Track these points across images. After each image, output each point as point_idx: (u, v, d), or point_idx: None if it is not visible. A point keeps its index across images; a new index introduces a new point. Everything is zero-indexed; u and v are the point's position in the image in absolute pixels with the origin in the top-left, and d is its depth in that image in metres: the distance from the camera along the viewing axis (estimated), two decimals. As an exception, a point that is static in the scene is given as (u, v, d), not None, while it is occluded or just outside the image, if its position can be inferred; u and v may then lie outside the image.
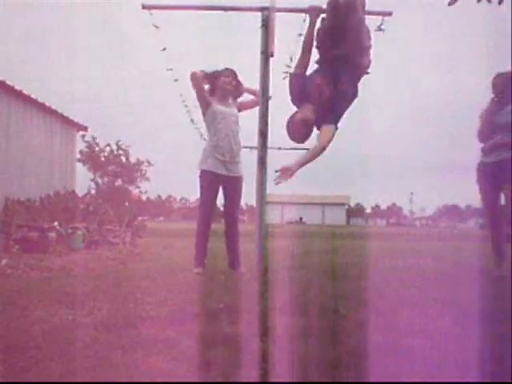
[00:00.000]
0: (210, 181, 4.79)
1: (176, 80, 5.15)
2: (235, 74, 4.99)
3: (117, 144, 13.70)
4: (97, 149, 13.50)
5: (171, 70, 4.99)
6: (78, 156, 12.73)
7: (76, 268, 5.20)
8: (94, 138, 13.39)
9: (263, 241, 4.77)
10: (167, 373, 1.78)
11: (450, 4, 3.52)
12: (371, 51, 4.04)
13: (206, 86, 4.91)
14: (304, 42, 4.15)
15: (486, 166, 4.89)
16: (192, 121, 6.28)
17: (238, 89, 5.02)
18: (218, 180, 4.80)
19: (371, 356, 1.99)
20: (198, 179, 4.84)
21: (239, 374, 1.79)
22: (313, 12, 4.25)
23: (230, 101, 4.99)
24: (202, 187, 4.81)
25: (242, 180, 4.99)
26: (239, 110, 5.04)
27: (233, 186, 4.90)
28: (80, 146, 13.06)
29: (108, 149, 13.61)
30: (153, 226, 15.16)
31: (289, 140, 4.69)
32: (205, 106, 4.88)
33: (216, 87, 4.94)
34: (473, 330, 2.46)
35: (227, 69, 4.98)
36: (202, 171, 4.81)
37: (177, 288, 3.61)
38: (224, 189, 4.89)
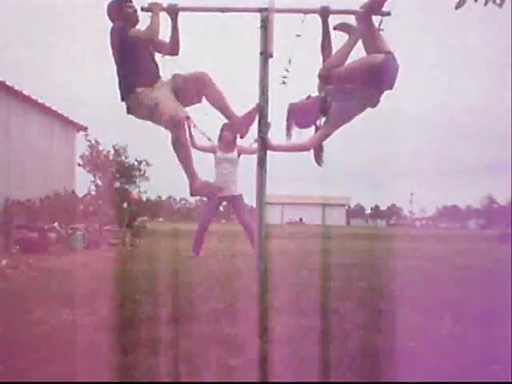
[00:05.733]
0: (208, 201, 6.70)
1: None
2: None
3: (114, 147, 13.59)
4: (96, 150, 13.37)
5: (169, 71, 4.99)
6: (79, 161, 12.62)
7: (76, 268, 5.20)
8: (97, 142, 13.11)
9: (263, 241, 4.77)
10: (167, 373, 1.78)
11: (456, 8, 3.49)
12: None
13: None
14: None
15: None
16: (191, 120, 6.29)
17: (235, 139, 6.52)
18: (214, 200, 6.60)
19: (371, 356, 1.99)
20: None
21: (239, 373, 1.79)
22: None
23: (231, 148, 6.55)
24: (205, 205, 6.91)
25: (238, 196, 6.59)
26: (239, 154, 6.61)
27: (233, 202, 6.60)
28: (80, 147, 13.01)
29: (104, 151, 13.48)
30: (153, 226, 15.14)
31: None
32: (212, 152, 6.64)
33: (220, 138, 6.57)
34: (473, 330, 2.46)
35: (225, 124, 6.31)
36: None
37: (177, 288, 3.61)
38: (232, 205, 6.68)
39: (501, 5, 3.41)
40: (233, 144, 6.66)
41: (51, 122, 11.56)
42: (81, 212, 9.97)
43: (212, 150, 6.67)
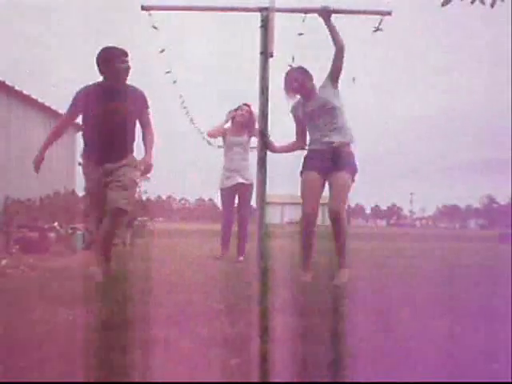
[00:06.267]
0: (223, 194, 6.30)
1: (175, 82, 5.17)
2: (249, 108, 6.19)
3: None
4: None
5: (170, 72, 5.01)
6: (80, 160, 12.61)
7: (76, 268, 5.20)
8: None
9: (263, 241, 4.77)
10: (167, 373, 1.78)
11: (443, 5, 3.51)
12: None
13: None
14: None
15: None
16: (191, 120, 6.29)
17: (250, 120, 6.13)
18: (230, 191, 6.23)
19: (371, 356, 1.99)
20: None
21: (239, 374, 1.79)
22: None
23: (243, 131, 6.21)
24: (221, 199, 6.41)
25: (250, 185, 6.15)
26: (250, 137, 6.22)
27: (242, 191, 6.20)
28: (80, 146, 12.99)
29: None
30: (153, 226, 15.12)
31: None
32: (223, 138, 6.35)
33: (232, 120, 6.26)
34: (473, 329, 2.46)
35: (244, 104, 6.22)
36: (220, 189, 6.36)
37: (177, 288, 3.61)
38: (236, 194, 6.24)
39: (492, 5, 3.40)
40: (245, 127, 6.22)
41: (51, 121, 11.55)
42: (81, 212, 9.97)
43: (223, 133, 6.30)
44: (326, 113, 4.29)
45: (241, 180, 6.18)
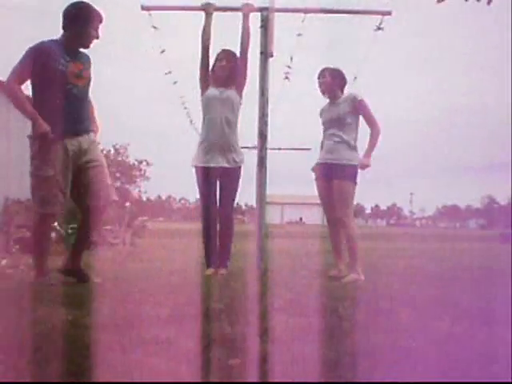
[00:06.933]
0: (199, 175, 4.49)
1: (175, 82, 5.18)
2: (232, 55, 4.49)
3: (114, 147, 13.58)
4: None
5: (170, 73, 5.00)
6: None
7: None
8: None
9: (263, 241, 4.78)
10: (167, 373, 1.78)
11: (438, 1, 3.51)
12: None
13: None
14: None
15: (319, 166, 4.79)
16: (191, 122, 6.30)
17: (235, 72, 4.46)
18: (212, 174, 4.46)
19: (371, 356, 1.99)
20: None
21: (239, 373, 1.79)
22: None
23: (229, 85, 4.47)
24: (197, 184, 4.57)
25: (238, 171, 4.59)
26: (240, 95, 4.53)
27: (226, 178, 4.52)
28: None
29: (105, 151, 13.43)
30: (153, 226, 15.13)
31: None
32: (201, 91, 4.56)
33: (213, 70, 4.54)
34: (473, 330, 2.46)
35: (223, 50, 4.54)
36: (195, 167, 4.57)
37: (176, 288, 3.61)
38: (219, 182, 4.54)
39: (488, 3, 3.40)
40: (231, 77, 4.47)
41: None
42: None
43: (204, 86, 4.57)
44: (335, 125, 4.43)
45: (224, 163, 4.45)
